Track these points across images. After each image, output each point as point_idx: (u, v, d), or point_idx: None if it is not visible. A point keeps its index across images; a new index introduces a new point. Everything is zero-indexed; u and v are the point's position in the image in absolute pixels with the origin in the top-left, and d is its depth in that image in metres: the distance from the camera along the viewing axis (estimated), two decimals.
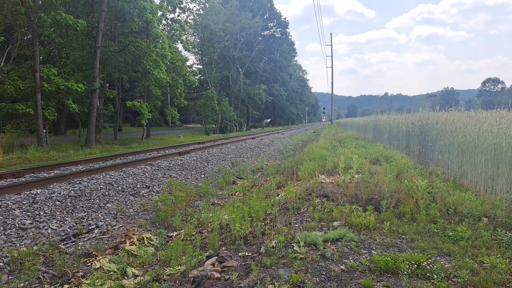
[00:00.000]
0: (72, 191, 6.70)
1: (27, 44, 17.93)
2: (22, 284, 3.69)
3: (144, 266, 4.28)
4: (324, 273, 3.05)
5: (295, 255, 3.38)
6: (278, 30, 60.41)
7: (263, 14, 55.69)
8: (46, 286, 3.72)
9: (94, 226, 5.68)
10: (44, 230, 5.19)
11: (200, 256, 3.85)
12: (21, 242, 4.75)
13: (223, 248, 4.17)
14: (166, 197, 7.25)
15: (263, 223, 4.75)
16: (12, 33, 17.65)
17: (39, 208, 5.75)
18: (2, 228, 4.93)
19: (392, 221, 4.31)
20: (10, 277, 3.94)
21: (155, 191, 8.05)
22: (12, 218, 5.22)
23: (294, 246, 3.59)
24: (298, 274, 2.96)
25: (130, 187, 7.78)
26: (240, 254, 3.83)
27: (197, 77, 38.52)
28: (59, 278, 3.92)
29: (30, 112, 15.97)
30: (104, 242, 5.04)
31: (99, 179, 7.90)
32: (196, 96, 45.38)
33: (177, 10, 25.10)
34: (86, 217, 5.94)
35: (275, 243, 3.77)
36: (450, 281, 2.87)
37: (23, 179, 8.21)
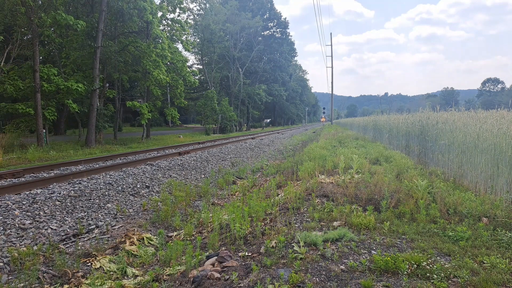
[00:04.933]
0: (72, 191, 6.70)
1: (27, 44, 17.91)
2: (22, 284, 3.69)
3: (144, 266, 4.28)
4: (324, 273, 3.05)
5: (295, 255, 3.38)
6: (278, 30, 60.44)
7: (263, 14, 55.70)
8: (46, 286, 3.72)
9: (94, 226, 5.68)
10: (44, 230, 5.19)
11: (200, 256, 3.84)
12: (21, 242, 4.75)
13: (223, 248, 4.17)
14: (166, 197, 7.25)
15: (263, 223, 4.75)
16: (12, 33, 17.63)
17: (39, 208, 5.74)
18: (2, 228, 4.92)
19: (392, 221, 4.31)
20: (10, 277, 3.93)
21: (155, 191, 8.05)
22: (12, 218, 5.22)
23: (294, 246, 3.59)
24: (298, 274, 2.96)
25: (130, 187, 7.78)
26: (240, 254, 3.83)
27: (197, 77, 38.53)
28: (59, 278, 3.92)
29: (30, 112, 15.96)
30: (104, 242, 5.04)
31: (99, 179, 7.90)
32: (196, 96, 45.35)
33: (177, 10, 25.11)
34: (86, 217, 5.94)
35: (275, 243, 3.77)
36: (450, 281, 2.86)
37: (23, 179, 8.21)
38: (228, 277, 3.23)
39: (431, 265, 3.07)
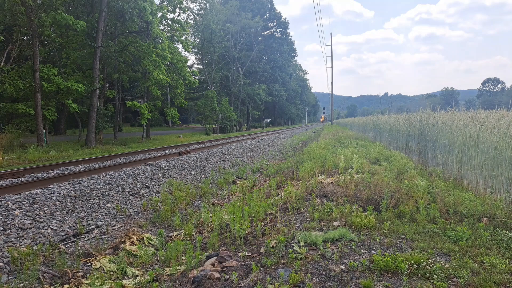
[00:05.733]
0: (72, 191, 6.70)
1: (27, 44, 17.91)
2: (22, 284, 3.69)
3: (144, 266, 4.28)
4: (324, 273, 3.05)
5: (295, 255, 3.37)
6: (278, 30, 60.42)
7: (263, 14, 55.69)
8: (46, 286, 3.71)
9: (94, 226, 5.68)
10: (44, 230, 5.19)
11: (200, 256, 3.84)
12: (21, 242, 4.75)
13: (223, 248, 4.17)
14: (166, 197, 7.25)
15: (263, 223, 4.75)
16: (12, 33, 17.63)
17: (39, 208, 5.74)
18: (2, 228, 4.93)
19: (392, 221, 4.31)
20: (10, 277, 3.93)
21: (155, 191, 8.05)
22: (12, 218, 5.22)
23: (294, 246, 3.59)
24: (298, 274, 2.96)
25: (130, 187, 7.78)
26: (240, 254, 3.83)
27: (197, 77, 38.48)
28: (59, 278, 3.92)
29: (30, 112, 15.95)
30: (104, 242, 5.04)
31: (99, 179, 7.90)
32: (196, 96, 45.36)
33: (177, 10, 25.10)
34: (86, 217, 5.94)
35: (275, 243, 3.77)
36: (450, 281, 2.86)
37: (23, 179, 8.21)
38: (228, 277, 3.23)
39: (431, 265, 3.07)
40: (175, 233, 5.47)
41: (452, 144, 7.57)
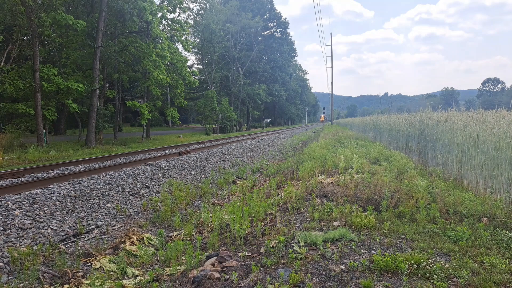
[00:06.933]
0: (72, 191, 6.70)
1: (27, 44, 17.91)
2: (22, 284, 3.69)
3: (144, 266, 4.28)
4: (324, 273, 3.05)
5: (295, 255, 3.37)
6: (278, 30, 60.42)
7: (263, 14, 55.69)
8: (46, 286, 3.71)
9: (94, 226, 5.68)
10: (44, 230, 5.19)
11: (200, 256, 3.84)
12: (21, 242, 4.75)
13: (223, 248, 4.17)
14: (166, 197, 7.25)
15: (263, 223, 4.75)
16: (12, 33, 17.63)
17: (39, 208, 5.74)
18: (2, 228, 4.93)
19: (392, 221, 4.31)
20: (10, 277, 3.93)
21: (155, 191, 8.05)
22: (12, 218, 5.22)
23: (294, 246, 3.59)
24: (298, 274, 2.96)
25: (130, 187, 7.78)
26: (240, 254, 3.83)
27: (197, 77, 38.48)
28: (59, 278, 3.92)
29: (30, 112, 15.96)
30: (104, 242, 5.04)
31: (99, 179, 7.90)
32: (196, 96, 45.36)
33: (177, 10, 25.10)
34: (86, 217, 5.94)
35: (275, 243, 3.77)
36: (450, 281, 2.86)
37: (23, 179, 8.21)
38: (228, 277, 3.23)
39: (431, 265, 3.07)
40: (175, 233, 5.47)
41: (452, 144, 7.57)
